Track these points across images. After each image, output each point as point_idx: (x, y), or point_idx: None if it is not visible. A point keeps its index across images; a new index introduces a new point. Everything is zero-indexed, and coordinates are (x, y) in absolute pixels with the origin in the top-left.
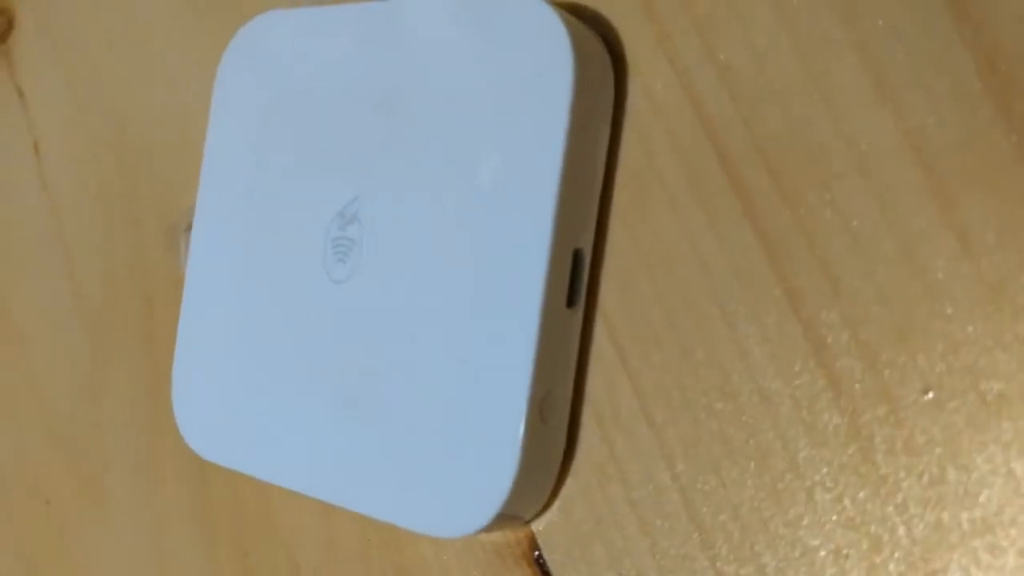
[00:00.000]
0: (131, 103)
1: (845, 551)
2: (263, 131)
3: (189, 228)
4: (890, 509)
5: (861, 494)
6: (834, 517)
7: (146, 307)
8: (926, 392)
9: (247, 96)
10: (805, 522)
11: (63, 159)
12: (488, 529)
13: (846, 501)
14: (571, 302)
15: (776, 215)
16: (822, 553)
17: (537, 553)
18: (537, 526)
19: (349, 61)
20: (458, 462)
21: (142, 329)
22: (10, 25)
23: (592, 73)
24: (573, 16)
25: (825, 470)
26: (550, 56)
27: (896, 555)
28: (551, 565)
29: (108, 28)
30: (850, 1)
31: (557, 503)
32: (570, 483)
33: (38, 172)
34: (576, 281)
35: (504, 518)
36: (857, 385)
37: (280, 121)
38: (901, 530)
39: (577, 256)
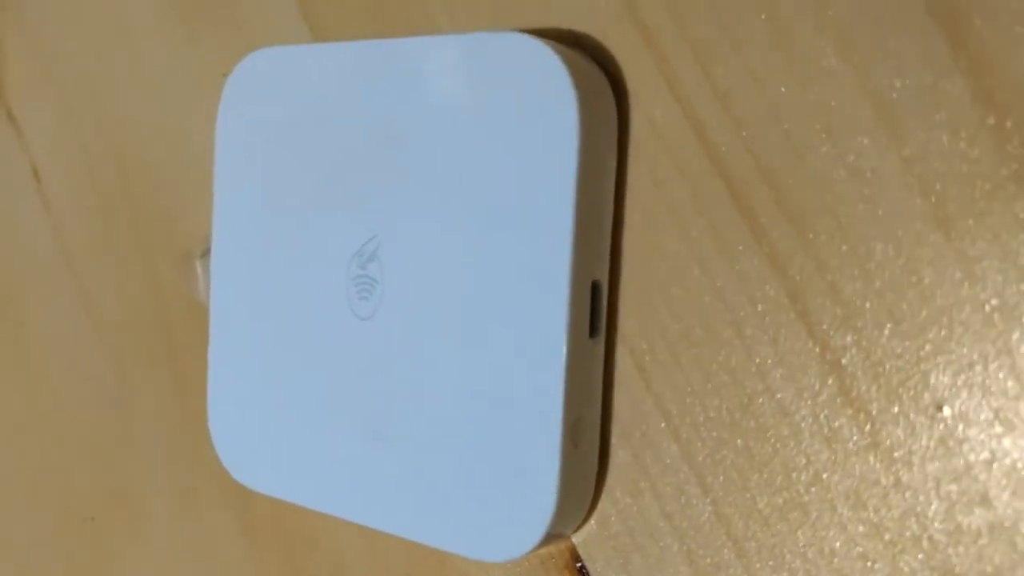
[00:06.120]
0: (129, 128)
1: (872, 557)
2: (272, 167)
3: (204, 255)
4: (912, 520)
5: (884, 505)
6: (860, 527)
7: (167, 332)
8: (940, 408)
9: (252, 132)
10: (832, 532)
11: (64, 183)
12: (535, 549)
13: (870, 512)
14: (593, 332)
15: (784, 240)
16: (849, 560)
17: (580, 564)
18: (577, 538)
19: (354, 98)
20: (501, 490)
21: (166, 353)
22: None
23: (596, 108)
24: (572, 49)
25: (848, 483)
26: (554, 97)
27: (919, 557)
28: (593, 575)
29: (100, 49)
30: (846, 29)
31: (595, 517)
32: (605, 499)
33: (40, 197)
34: (596, 312)
35: (548, 538)
36: (874, 404)
37: (288, 158)
38: (924, 538)
39: (595, 288)
